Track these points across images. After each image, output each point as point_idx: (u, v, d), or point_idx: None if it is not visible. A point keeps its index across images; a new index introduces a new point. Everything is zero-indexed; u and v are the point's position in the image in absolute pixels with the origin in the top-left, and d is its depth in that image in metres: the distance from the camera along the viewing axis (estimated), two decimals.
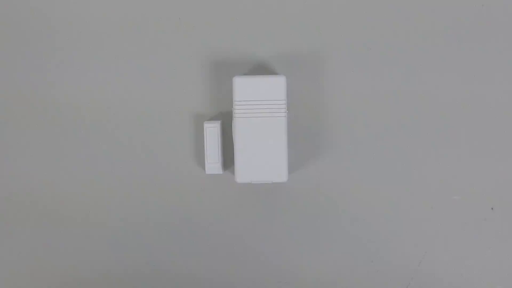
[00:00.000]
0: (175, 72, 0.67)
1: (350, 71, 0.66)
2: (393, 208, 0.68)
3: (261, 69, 0.66)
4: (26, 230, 0.70)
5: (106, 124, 0.68)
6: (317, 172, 0.67)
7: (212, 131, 0.65)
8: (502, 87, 0.65)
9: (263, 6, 0.65)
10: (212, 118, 0.67)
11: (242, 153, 0.62)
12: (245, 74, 0.66)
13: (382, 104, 0.66)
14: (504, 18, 0.65)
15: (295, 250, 0.69)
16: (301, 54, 0.66)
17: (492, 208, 0.67)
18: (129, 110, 0.67)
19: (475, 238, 0.68)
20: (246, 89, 0.61)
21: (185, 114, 0.67)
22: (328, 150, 0.67)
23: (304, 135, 0.67)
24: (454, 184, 0.67)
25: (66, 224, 0.70)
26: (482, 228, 0.68)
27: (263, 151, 0.61)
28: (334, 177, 0.67)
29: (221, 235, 0.69)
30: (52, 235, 0.70)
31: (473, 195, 0.67)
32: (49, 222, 0.70)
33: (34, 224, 0.70)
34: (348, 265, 0.69)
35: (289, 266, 0.69)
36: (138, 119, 0.68)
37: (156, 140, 0.68)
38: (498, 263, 0.68)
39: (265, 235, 0.69)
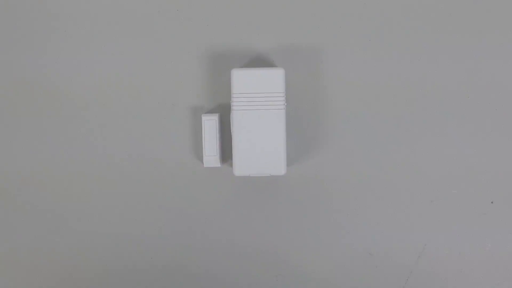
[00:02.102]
0: (173, 64, 0.66)
1: (350, 64, 0.66)
2: (392, 202, 0.68)
3: (259, 61, 0.66)
4: (26, 230, 0.70)
5: (104, 118, 0.68)
6: (315, 165, 0.67)
7: (210, 124, 0.65)
8: (502, 81, 0.65)
9: None
10: (210, 111, 0.67)
11: (240, 146, 0.61)
12: (244, 66, 0.66)
13: (381, 97, 0.66)
14: (504, 11, 0.64)
15: (293, 243, 0.69)
16: (300, 47, 0.66)
17: (492, 202, 0.67)
18: (127, 103, 0.67)
19: (474, 232, 0.68)
20: (244, 82, 0.61)
21: (183, 106, 0.67)
22: (327, 143, 0.67)
23: (303, 128, 0.67)
24: (454, 178, 0.67)
25: (66, 223, 0.69)
26: (482, 222, 0.67)
27: (261, 144, 0.61)
28: (332, 170, 0.67)
29: (219, 228, 0.69)
30: (52, 235, 0.70)
31: (473, 189, 0.67)
32: (49, 222, 0.69)
33: (34, 224, 0.70)
34: (346, 258, 0.69)
35: (287, 259, 0.69)
36: (136, 112, 0.67)
37: (154, 133, 0.68)
38: (498, 258, 0.68)
39: (263, 228, 0.69)
